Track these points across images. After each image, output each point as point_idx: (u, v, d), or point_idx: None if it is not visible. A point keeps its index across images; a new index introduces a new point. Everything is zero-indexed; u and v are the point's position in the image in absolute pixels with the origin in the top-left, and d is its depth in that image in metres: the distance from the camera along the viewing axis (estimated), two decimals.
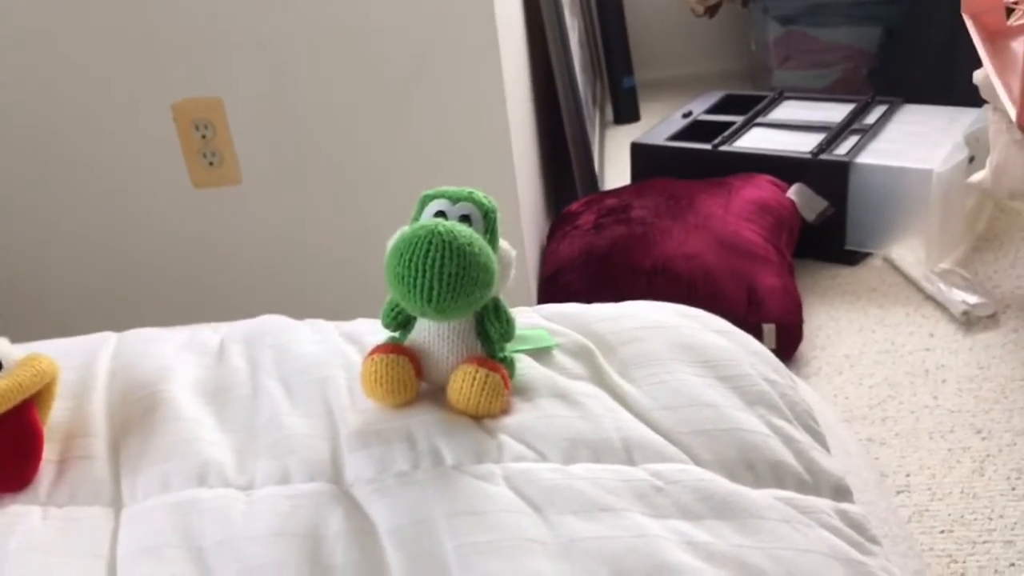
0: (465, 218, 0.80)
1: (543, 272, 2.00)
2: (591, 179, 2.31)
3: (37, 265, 1.82)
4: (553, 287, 1.94)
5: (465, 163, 1.72)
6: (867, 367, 1.80)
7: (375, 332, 0.93)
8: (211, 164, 1.77)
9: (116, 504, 0.79)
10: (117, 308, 1.84)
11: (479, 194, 0.82)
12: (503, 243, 0.83)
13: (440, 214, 0.80)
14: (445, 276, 0.74)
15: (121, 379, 0.91)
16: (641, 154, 2.29)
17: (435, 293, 0.75)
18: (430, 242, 0.75)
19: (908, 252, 2.10)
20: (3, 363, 0.81)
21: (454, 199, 0.81)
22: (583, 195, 2.26)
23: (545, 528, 0.69)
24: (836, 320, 1.96)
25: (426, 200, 0.82)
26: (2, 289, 1.83)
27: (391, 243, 0.79)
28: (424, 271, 0.74)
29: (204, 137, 1.75)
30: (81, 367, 0.93)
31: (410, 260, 0.75)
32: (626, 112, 2.90)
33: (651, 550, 0.67)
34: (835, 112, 2.33)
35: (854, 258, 2.13)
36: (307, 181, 1.75)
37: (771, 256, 1.92)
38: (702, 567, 0.66)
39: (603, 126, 2.80)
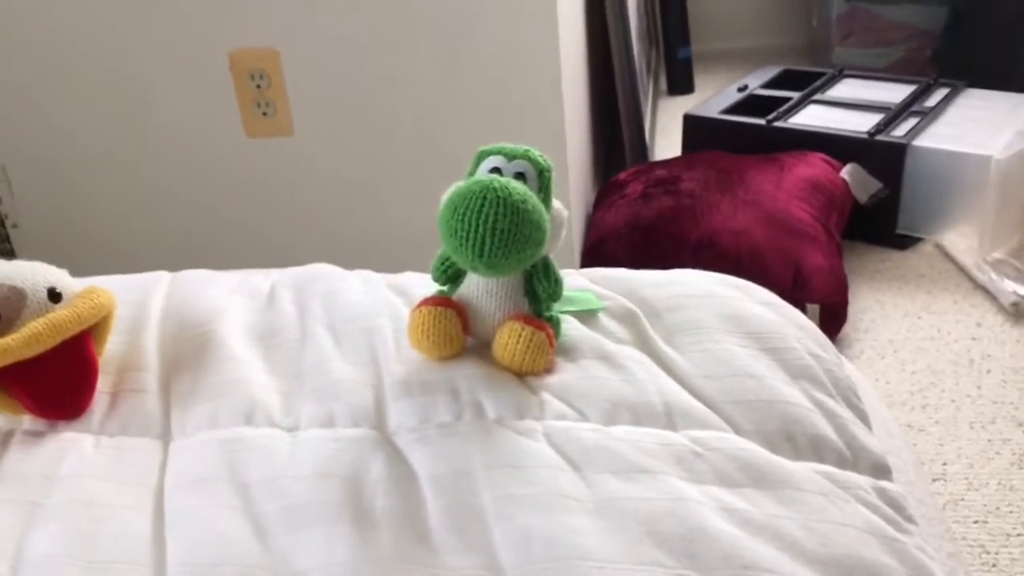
0: (520, 175, 0.80)
1: (587, 240, 2.00)
2: (641, 149, 2.29)
3: (97, 205, 1.85)
4: (597, 255, 1.94)
5: (516, 124, 1.71)
6: (910, 353, 1.78)
7: (423, 285, 0.94)
8: (265, 114, 1.79)
9: (165, 437, 0.81)
10: (169, 252, 1.88)
11: (535, 152, 0.82)
12: (556, 203, 0.83)
13: (495, 170, 0.81)
14: (497, 232, 0.75)
15: (174, 317, 0.93)
16: (694, 126, 2.27)
17: (487, 248, 0.75)
18: (484, 197, 0.75)
19: (961, 239, 2.06)
20: (63, 294, 0.83)
21: (510, 156, 0.81)
22: (632, 165, 2.24)
23: (583, 486, 0.70)
24: (882, 304, 1.93)
25: (482, 156, 0.83)
26: (64, 227, 1.87)
27: (445, 197, 0.80)
28: (477, 226, 0.75)
29: (259, 87, 1.76)
30: (136, 304, 0.95)
31: (464, 214, 0.75)
32: (680, 83, 2.86)
33: (688, 514, 0.67)
34: (895, 93, 2.28)
35: (905, 242, 2.10)
36: (358, 135, 1.76)
37: (820, 235, 1.90)
38: (738, 533, 0.66)
39: (656, 96, 2.77)
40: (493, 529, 0.67)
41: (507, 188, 0.76)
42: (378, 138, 1.76)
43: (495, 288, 0.82)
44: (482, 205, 0.75)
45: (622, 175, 2.14)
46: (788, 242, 1.85)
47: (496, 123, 1.72)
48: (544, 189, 0.81)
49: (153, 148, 1.79)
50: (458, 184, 0.79)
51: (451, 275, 0.84)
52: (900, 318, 1.88)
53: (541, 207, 0.78)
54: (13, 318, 0.79)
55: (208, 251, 1.88)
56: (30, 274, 0.82)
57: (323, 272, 1.00)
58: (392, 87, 1.71)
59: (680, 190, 1.98)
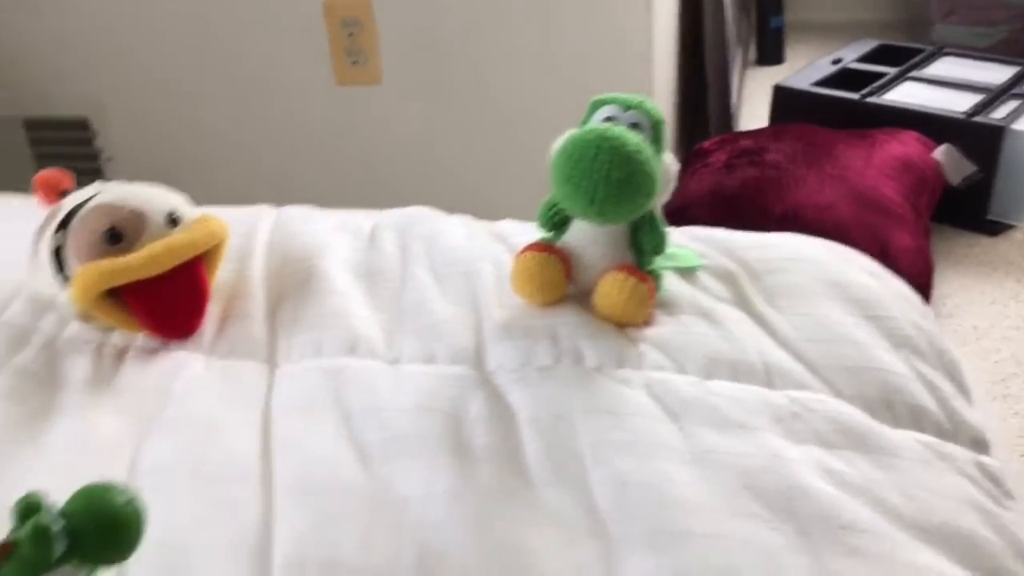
0: (634, 126, 0.80)
1: (669, 206, 1.98)
2: (726, 119, 2.25)
3: (188, 144, 1.90)
4: (679, 222, 1.91)
5: (604, 83, 1.70)
6: (994, 341, 1.74)
7: (522, 233, 0.95)
8: (355, 63, 1.80)
9: (271, 362, 0.83)
10: (256, 192, 1.90)
11: (650, 103, 0.82)
12: (667, 156, 0.83)
13: (610, 119, 0.81)
14: (611, 180, 0.75)
15: (279, 249, 0.96)
16: (783, 97, 2.23)
17: (599, 196, 0.76)
18: (599, 146, 0.75)
19: None
20: (181, 219, 0.86)
21: (625, 106, 0.81)
22: (716, 134, 2.21)
23: (680, 436, 0.71)
24: (968, 290, 1.89)
25: (596, 105, 0.83)
26: (155, 163, 1.92)
27: (558, 144, 0.80)
28: (591, 173, 0.75)
29: (351, 35, 1.78)
30: (242, 235, 0.97)
31: (578, 161, 0.76)
32: (770, 53, 2.81)
33: (786, 471, 0.67)
34: (996, 73, 2.20)
35: (995, 228, 2.04)
36: (447, 86, 1.76)
37: (908, 215, 1.86)
38: (836, 494, 0.66)
39: (744, 65, 2.72)
40: (591, 471, 0.68)
41: (622, 137, 0.76)
42: (466, 91, 1.76)
43: (600, 237, 0.82)
44: (597, 153, 0.75)
45: (706, 143, 2.12)
46: (875, 220, 1.82)
47: (584, 81, 1.71)
48: (657, 140, 0.81)
49: (245, 90, 1.83)
50: (572, 132, 0.80)
51: (557, 222, 0.84)
52: (986, 305, 1.84)
53: (654, 158, 0.78)
54: (134, 239, 0.82)
55: (294, 193, 1.91)
56: (151, 198, 0.85)
57: (424, 215, 1.01)
58: (481, 41, 1.71)
59: (765, 161, 1.95)
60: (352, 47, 1.79)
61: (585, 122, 0.83)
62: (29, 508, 0.50)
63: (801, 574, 0.61)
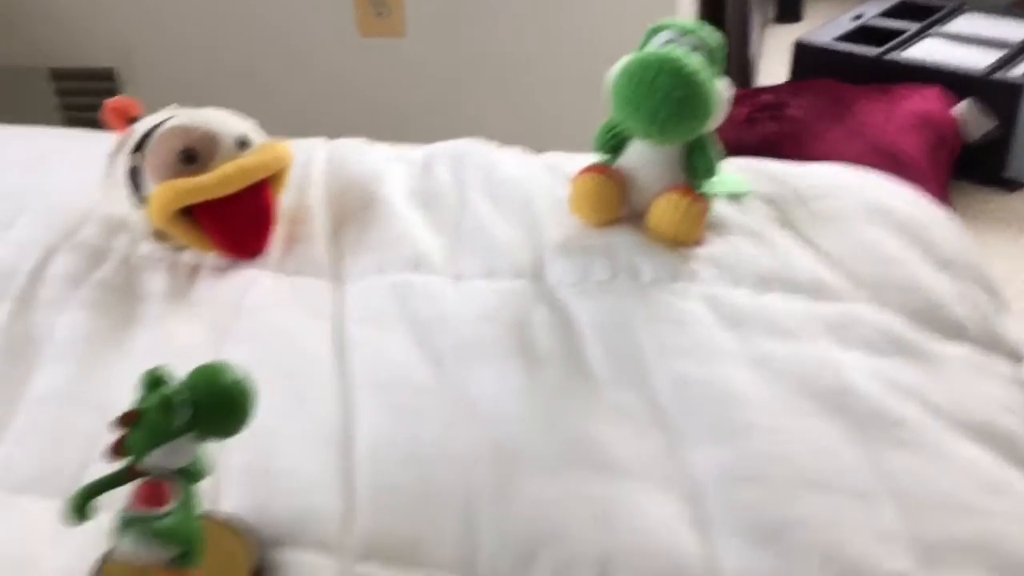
0: (693, 50, 0.83)
1: None
2: (745, 73, 2.28)
3: (222, 95, 1.90)
4: None
5: (626, 35, 1.72)
6: (1009, 296, 1.77)
7: (572, 162, 0.98)
8: (379, 14, 1.82)
9: (337, 279, 0.87)
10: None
11: (707, 30, 0.85)
12: (721, 82, 0.86)
13: (669, 43, 0.84)
14: (672, 100, 0.79)
15: (337, 178, 0.99)
16: (804, 54, 2.24)
17: (660, 116, 0.79)
18: (660, 67, 0.79)
19: None
20: (250, 143, 0.89)
21: (683, 31, 0.84)
22: (736, 88, 2.23)
23: (737, 343, 0.75)
24: (983, 245, 1.90)
25: (654, 31, 0.86)
26: None
27: (618, 66, 0.83)
28: (653, 93, 0.79)
29: None
30: (300, 164, 1.00)
31: (640, 82, 0.79)
32: (788, 11, 2.82)
33: (838, 373, 0.71)
34: (1017, 30, 2.22)
35: (1012, 185, 2.06)
36: (471, 41, 1.78)
37: (927, 170, 1.88)
38: (885, 395, 0.70)
39: (763, 23, 2.74)
40: (653, 372, 0.72)
41: (683, 59, 0.79)
42: (491, 45, 1.78)
43: (656, 159, 0.86)
44: (658, 74, 0.78)
45: None
46: (894, 174, 1.84)
47: (607, 34, 1.72)
48: (713, 64, 0.84)
49: (269, 40, 1.83)
50: (631, 55, 0.83)
51: (614, 145, 0.88)
52: (1001, 259, 1.87)
53: (713, 81, 0.81)
54: (207, 160, 0.86)
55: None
56: (223, 122, 0.89)
57: (476, 146, 1.04)
58: None
59: (786, 116, 1.98)
60: None
61: (643, 47, 0.86)
62: (155, 380, 0.54)
63: (855, 463, 0.65)
